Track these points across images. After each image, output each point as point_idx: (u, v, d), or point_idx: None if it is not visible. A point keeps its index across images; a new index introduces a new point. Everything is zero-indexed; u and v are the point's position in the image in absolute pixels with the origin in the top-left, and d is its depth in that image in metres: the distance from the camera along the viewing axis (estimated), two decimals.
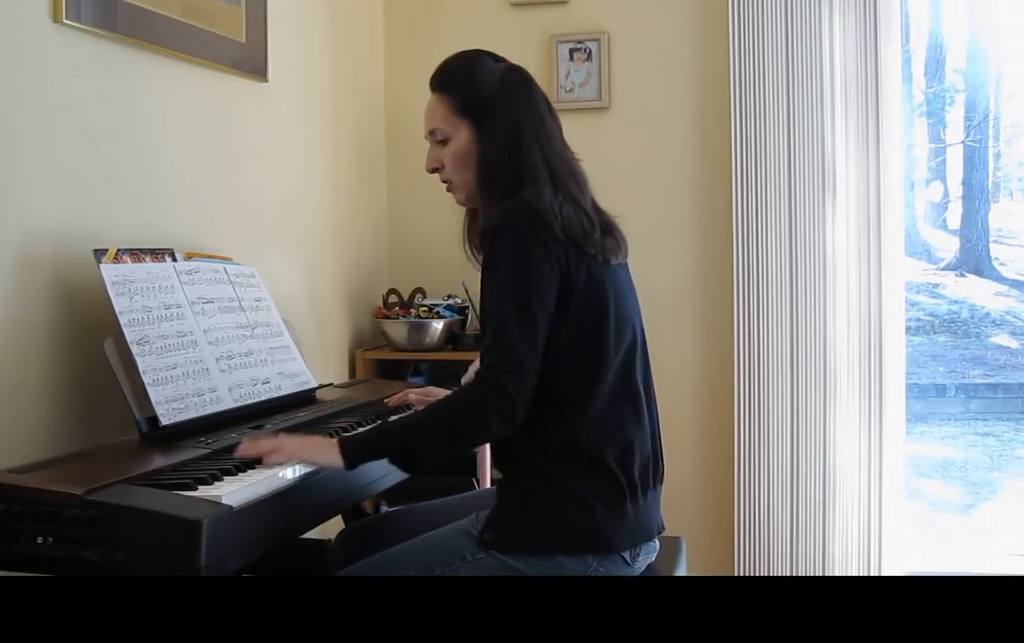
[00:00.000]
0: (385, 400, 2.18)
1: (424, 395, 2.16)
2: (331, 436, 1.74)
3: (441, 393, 2.09)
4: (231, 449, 1.74)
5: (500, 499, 1.74)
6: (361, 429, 1.73)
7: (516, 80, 1.80)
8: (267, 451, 1.65)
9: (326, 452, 1.67)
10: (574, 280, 1.67)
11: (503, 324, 1.64)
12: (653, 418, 1.80)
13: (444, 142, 1.81)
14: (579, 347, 1.69)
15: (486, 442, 1.79)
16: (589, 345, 1.69)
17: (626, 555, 1.70)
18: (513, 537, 1.68)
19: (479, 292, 1.75)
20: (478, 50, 1.86)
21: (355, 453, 1.67)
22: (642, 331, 1.83)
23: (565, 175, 1.76)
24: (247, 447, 1.67)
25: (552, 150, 1.77)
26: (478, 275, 1.74)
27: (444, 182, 1.85)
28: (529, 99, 1.79)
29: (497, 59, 1.84)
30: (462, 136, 1.79)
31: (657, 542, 1.81)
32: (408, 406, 2.15)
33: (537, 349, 1.64)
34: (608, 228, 1.77)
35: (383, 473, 1.95)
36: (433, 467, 1.69)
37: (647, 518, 1.74)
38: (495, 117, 1.76)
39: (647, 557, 1.77)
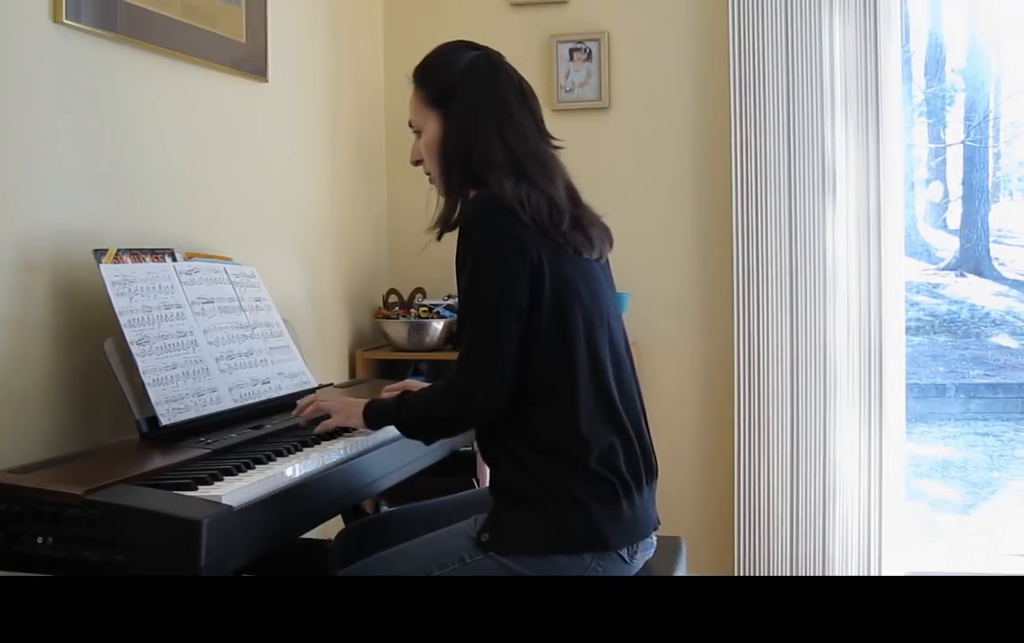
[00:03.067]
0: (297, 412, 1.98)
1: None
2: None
3: (415, 385, 2.12)
4: (231, 449, 1.74)
5: (496, 501, 1.74)
6: (386, 396, 1.87)
7: (482, 66, 1.79)
8: (305, 405, 1.92)
9: (356, 417, 1.84)
10: (545, 269, 1.67)
11: (467, 322, 1.68)
12: (636, 415, 1.79)
13: (420, 134, 1.83)
14: (550, 342, 1.68)
15: (457, 433, 1.92)
16: (559, 340, 1.69)
17: (623, 553, 1.70)
18: (510, 538, 1.68)
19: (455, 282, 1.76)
20: (458, 41, 1.86)
21: (374, 418, 1.83)
22: (621, 329, 1.82)
23: (530, 164, 1.73)
24: (298, 410, 1.93)
25: (516, 138, 1.75)
26: None
27: (426, 173, 1.86)
28: (493, 85, 1.77)
29: (475, 47, 1.83)
30: (432, 127, 1.80)
31: (654, 539, 1.80)
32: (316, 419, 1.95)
33: (501, 343, 1.65)
34: (578, 222, 1.75)
35: (383, 473, 1.95)
36: (427, 442, 1.92)
37: (643, 515, 1.74)
38: (457, 105, 1.76)
39: (644, 554, 1.77)
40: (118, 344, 1.80)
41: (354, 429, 1.91)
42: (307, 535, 1.84)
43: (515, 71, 1.82)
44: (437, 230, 1.80)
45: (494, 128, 1.74)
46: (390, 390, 2.15)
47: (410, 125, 1.85)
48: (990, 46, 6.73)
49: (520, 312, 1.66)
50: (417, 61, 1.85)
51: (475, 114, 1.75)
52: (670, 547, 1.95)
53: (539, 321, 1.67)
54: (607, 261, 1.85)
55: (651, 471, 1.79)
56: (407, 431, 1.81)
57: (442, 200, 1.82)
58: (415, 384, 2.17)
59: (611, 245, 1.84)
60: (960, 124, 6.94)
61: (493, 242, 1.65)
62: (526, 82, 1.83)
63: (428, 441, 1.91)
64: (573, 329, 1.69)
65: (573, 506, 1.66)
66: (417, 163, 1.86)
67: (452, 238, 1.85)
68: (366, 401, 1.85)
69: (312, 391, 2.24)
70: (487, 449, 1.78)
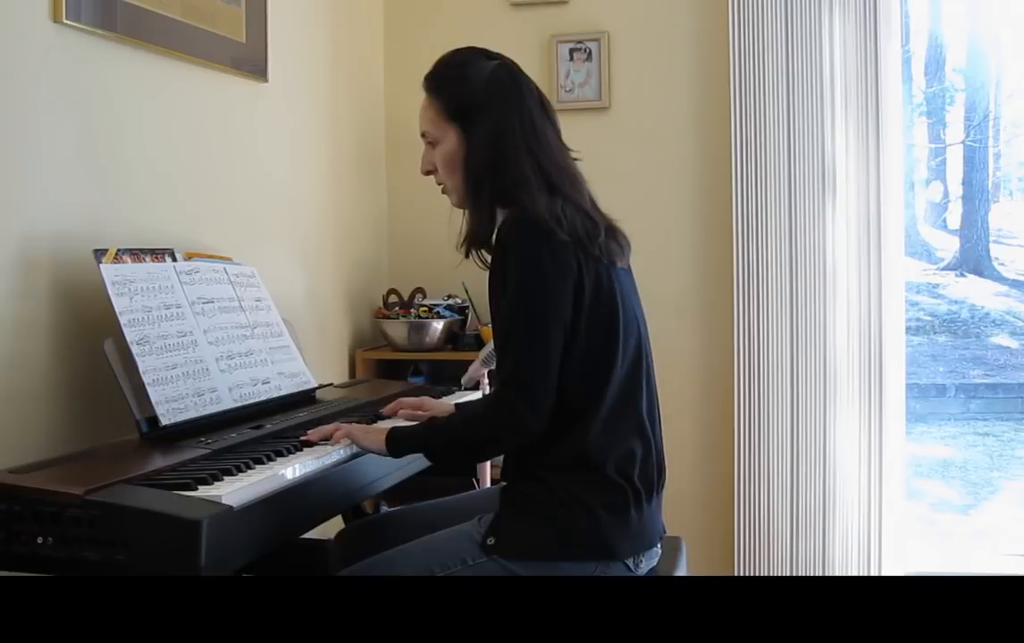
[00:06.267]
0: (304, 436, 1.85)
1: (415, 407, 2.07)
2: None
3: (433, 403, 2.09)
4: (231, 449, 1.74)
5: (503, 504, 1.73)
6: (410, 424, 1.83)
7: (504, 79, 1.75)
8: (329, 433, 1.81)
9: (377, 440, 1.77)
10: (585, 285, 1.66)
11: (513, 340, 1.65)
12: (656, 423, 1.79)
13: (435, 145, 1.79)
14: (590, 354, 1.67)
15: (501, 454, 1.84)
16: (599, 352, 1.68)
17: (629, 562, 1.70)
18: (516, 542, 1.68)
19: (485, 294, 1.75)
20: (471, 48, 1.82)
21: (397, 446, 1.77)
22: (646, 335, 1.82)
23: (559, 177, 1.72)
24: (314, 433, 1.81)
25: (543, 152, 1.73)
26: (478, 274, 1.74)
27: (438, 184, 1.83)
28: (518, 99, 1.74)
29: (491, 56, 1.80)
30: (450, 140, 1.76)
31: (659, 548, 1.80)
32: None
33: (549, 361, 1.63)
34: (611, 230, 1.76)
35: (383, 473, 1.95)
36: (460, 468, 1.87)
37: (650, 525, 1.73)
38: (480, 121, 1.72)
39: (649, 563, 1.76)
40: (118, 344, 1.80)
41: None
42: (307, 535, 1.84)
43: (532, 82, 1.80)
44: (465, 246, 1.77)
45: (521, 144, 1.71)
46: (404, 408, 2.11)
47: (423, 135, 1.80)
48: (990, 46, 6.73)
49: (565, 329, 1.65)
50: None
51: (502, 131, 1.71)
52: (670, 547, 1.95)
53: (578, 336, 1.66)
54: (630, 267, 1.84)
55: (662, 479, 1.79)
56: (437, 455, 1.76)
57: (467, 215, 1.78)
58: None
59: (630, 249, 1.83)
60: (960, 124, 6.94)
61: (537, 263, 1.63)
62: (543, 92, 1.81)
63: (460, 465, 1.87)
64: (615, 341, 1.69)
65: (582, 513, 1.66)
66: (428, 173, 1.82)
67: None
68: (388, 428, 1.79)
69: (312, 391, 2.24)
70: (504, 461, 1.77)
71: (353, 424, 1.86)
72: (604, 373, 1.68)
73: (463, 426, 1.74)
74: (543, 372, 1.63)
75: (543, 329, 1.63)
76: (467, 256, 1.79)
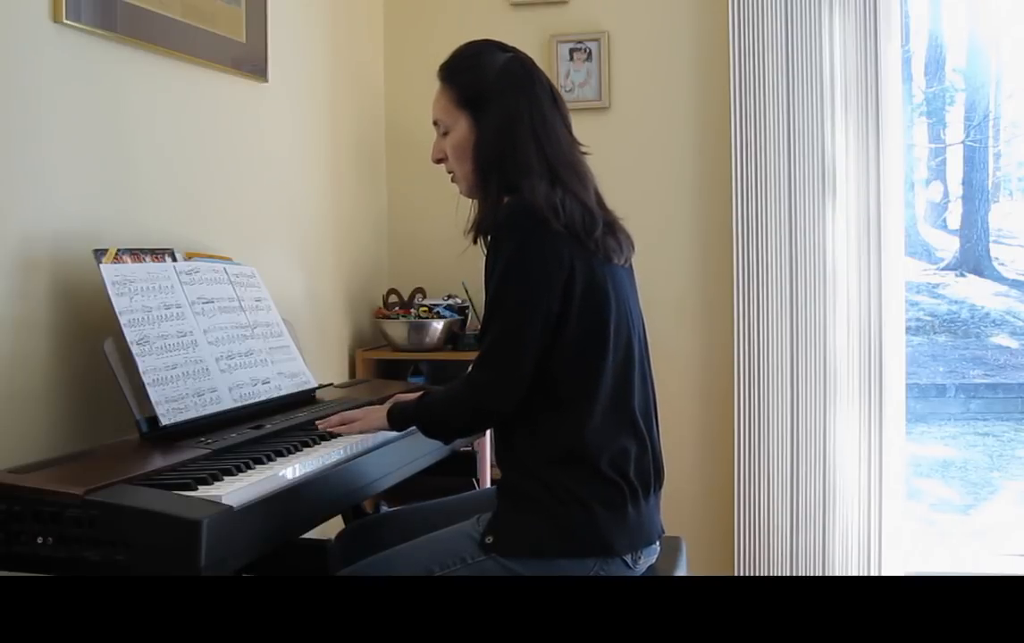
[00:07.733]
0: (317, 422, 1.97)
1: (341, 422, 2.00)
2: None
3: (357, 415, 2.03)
4: (231, 449, 1.74)
5: (501, 502, 1.74)
6: (410, 397, 1.88)
7: (516, 71, 1.78)
8: (335, 424, 1.89)
9: (380, 420, 1.85)
10: (576, 276, 1.67)
11: (492, 324, 1.68)
12: (652, 423, 1.79)
13: (446, 132, 1.81)
14: (580, 347, 1.68)
15: (472, 433, 1.95)
16: (589, 345, 1.69)
17: (627, 559, 1.70)
18: (514, 540, 1.68)
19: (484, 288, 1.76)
20: (487, 40, 1.85)
21: (397, 422, 1.84)
22: (643, 334, 1.82)
23: (565, 170, 1.74)
24: (327, 423, 1.90)
25: (551, 144, 1.74)
26: (479, 274, 1.75)
27: (449, 173, 1.85)
28: (529, 91, 1.76)
29: (505, 49, 1.82)
30: (461, 128, 1.78)
31: (658, 545, 1.80)
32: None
33: (523, 347, 1.65)
34: (611, 227, 1.76)
35: (383, 473, 1.95)
36: (448, 442, 1.96)
37: (648, 522, 1.73)
38: (491, 110, 1.75)
39: (648, 560, 1.76)
40: (118, 344, 1.80)
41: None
42: (307, 535, 1.84)
43: (545, 75, 1.82)
44: (472, 233, 1.79)
45: (529, 135, 1.73)
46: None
47: (435, 123, 1.83)
48: (990, 46, 6.73)
49: (549, 319, 1.66)
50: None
51: (511, 120, 1.73)
52: (670, 547, 1.95)
53: (567, 327, 1.67)
54: (631, 266, 1.85)
55: (659, 478, 1.79)
56: (425, 430, 1.81)
57: (475, 203, 1.81)
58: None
59: (633, 249, 1.84)
60: (960, 124, 6.94)
61: (524, 249, 1.65)
62: (555, 86, 1.82)
63: (446, 441, 1.91)
64: (604, 335, 1.69)
65: (579, 510, 1.66)
66: (439, 161, 1.84)
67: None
68: (388, 405, 1.85)
69: (312, 391, 2.24)
70: (497, 450, 1.78)
71: (351, 410, 1.94)
72: (595, 366, 1.69)
73: (443, 405, 1.78)
74: (515, 355, 1.65)
75: (521, 315, 1.65)
76: (475, 242, 1.80)
